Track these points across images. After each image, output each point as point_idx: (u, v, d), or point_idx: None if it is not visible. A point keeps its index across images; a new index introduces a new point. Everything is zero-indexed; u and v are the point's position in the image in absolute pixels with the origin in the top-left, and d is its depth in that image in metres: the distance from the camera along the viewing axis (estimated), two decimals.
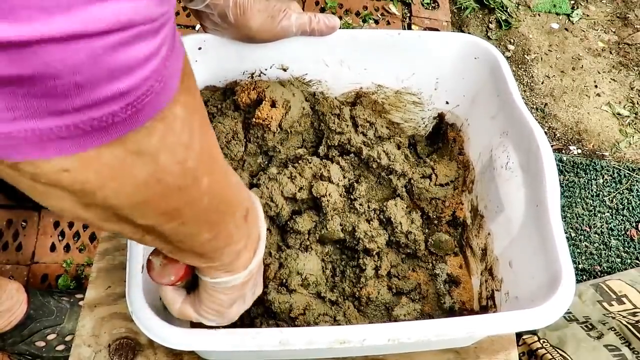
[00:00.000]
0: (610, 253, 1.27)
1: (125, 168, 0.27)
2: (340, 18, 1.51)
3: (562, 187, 1.33)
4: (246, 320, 0.73)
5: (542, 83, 1.57)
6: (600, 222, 1.31)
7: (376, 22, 1.55)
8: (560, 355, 0.95)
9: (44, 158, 0.23)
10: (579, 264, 1.25)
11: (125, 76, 0.23)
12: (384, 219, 0.76)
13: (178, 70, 0.28)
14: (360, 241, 0.74)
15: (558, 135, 1.48)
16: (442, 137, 0.90)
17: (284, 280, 0.70)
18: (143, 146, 0.27)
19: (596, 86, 1.58)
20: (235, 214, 0.41)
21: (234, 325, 0.73)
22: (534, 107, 1.52)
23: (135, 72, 0.23)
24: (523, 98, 0.75)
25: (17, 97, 0.21)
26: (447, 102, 0.87)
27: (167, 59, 0.26)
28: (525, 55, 1.62)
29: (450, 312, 0.77)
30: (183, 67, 0.29)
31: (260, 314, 0.72)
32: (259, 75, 0.81)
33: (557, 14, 1.72)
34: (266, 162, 0.79)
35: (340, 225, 0.75)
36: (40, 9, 0.19)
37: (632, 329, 0.96)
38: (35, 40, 0.19)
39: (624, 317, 1.00)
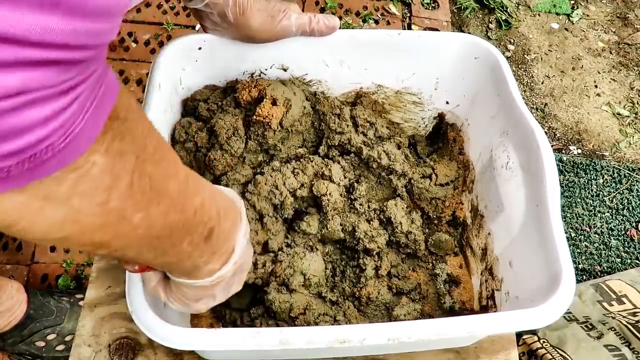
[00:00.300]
0: (610, 253, 1.27)
1: (32, 211, 0.29)
2: (340, 18, 1.51)
3: (562, 187, 1.33)
4: (246, 320, 0.73)
5: (542, 83, 1.57)
6: (600, 222, 1.31)
7: (376, 22, 1.55)
8: (560, 355, 0.95)
9: None
10: (579, 264, 1.25)
11: (16, 138, 0.24)
12: (384, 219, 0.76)
13: (100, 121, 0.29)
14: (361, 241, 0.74)
15: (558, 135, 1.48)
16: (442, 137, 0.90)
17: (286, 280, 0.70)
18: (51, 193, 0.28)
19: (596, 86, 1.58)
20: (189, 236, 0.41)
21: (233, 324, 0.73)
22: (534, 107, 1.52)
23: (29, 134, 0.24)
24: (523, 98, 0.75)
25: None
26: (447, 102, 0.87)
27: (82, 114, 0.27)
28: (525, 55, 1.62)
29: (451, 312, 0.77)
30: (113, 113, 0.30)
31: (260, 315, 0.72)
32: (259, 75, 0.81)
33: (557, 14, 1.72)
34: (267, 160, 0.79)
35: (341, 225, 0.75)
36: None
37: (632, 329, 0.96)
38: None
39: (624, 317, 1.00)
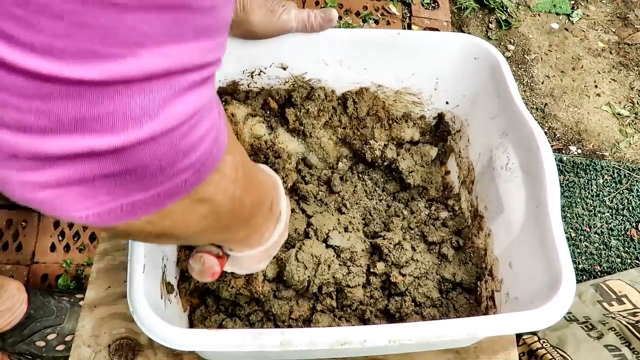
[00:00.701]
0: (610, 253, 1.27)
1: (190, 212, 0.33)
2: (340, 18, 1.51)
3: (562, 187, 1.33)
4: (245, 326, 0.73)
5: (542, 83, 1.57)
6: (600, 222, 1.31)
7: (376, 22, 1.54)
8: (560, 355, 0.95)
9: (133, 220, 0.29)
10: (579, 264, 1.25)
11: (194, 151, 0.28)
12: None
13: (226, 125, 0.33)
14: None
15: (558, 135, 1.48)
16: (441, 137, 0.90)
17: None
18: (204, 194, 0.33)
19: (596, 86, 1.58)
20: (263, 209, 0.47)
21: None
22: (534, 107, 1.52)
23: (199, 147, 0.28)
24: (523, 98, 0.75)
25: (114, 184, 0.26)
26: (447, 102, 0.87)
27: (221, 123, 0.31)
28: (525, 55, 1.62)
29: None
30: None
31: (259, 320, 0.73)
32: (259, 74, 0.81)
33: (557, 14, 1.72)
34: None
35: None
36: (133, 120, 0.24)
37: (632, 329, 0.96)
38: (130, 145, 0.25)
39: (624, 317, 1.00)
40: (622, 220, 1.32)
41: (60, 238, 1.19)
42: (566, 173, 1.38)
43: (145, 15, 0.22)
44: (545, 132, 0.68)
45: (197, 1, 0.24)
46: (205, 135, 0.28)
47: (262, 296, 0.70)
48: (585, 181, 1.36)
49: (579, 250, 1.26)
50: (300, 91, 0.82)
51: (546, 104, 1.53)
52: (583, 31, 1.69)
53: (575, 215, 1.31)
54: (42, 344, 0.99)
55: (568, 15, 1.72)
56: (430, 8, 1.58)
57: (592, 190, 1.35)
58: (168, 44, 0.24)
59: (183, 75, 0.25)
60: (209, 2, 0.25)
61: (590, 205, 1.33)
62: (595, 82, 1.59)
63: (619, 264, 1.26)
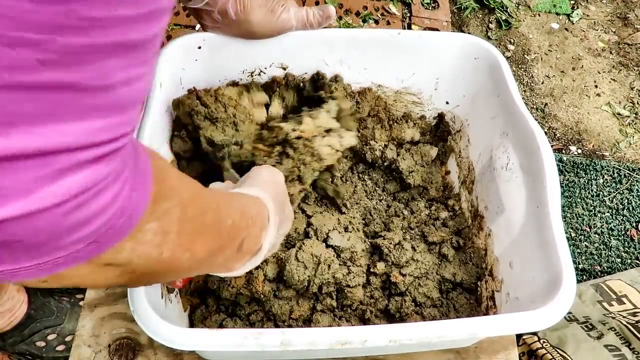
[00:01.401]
0: (610, 253, 1.27)
1: (96, 275, 0.32)
2: (340, 18, 1.51)
3: (562, 187, 1.33)
4: (245, 325, 0.73)
5: (542, 83, 1.57)
6: (600, 222, 1.31)
7: (376, 22, 1.54)
8: (560, 355, 0.95)
9: (26, 279, 0.29)
10: (579, 264, 1.25)
11: (83, 227, 0.27)
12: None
13: (147, 193, 0.32)
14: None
15: (558, 135, 1.48)
16: (442, 137, 0.90)
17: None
18: (113, 260, 0.32)
19: (596, 86, 1.58)
20: (223, 252, 0.44)
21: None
22: (534, 107, 1.52)
23: (93, 222, 0.28)
24: (523, 98, 0.75)
25: None
26: (447, 102, 0.87)
27: (130, 192, 0.29)
28: (525, 55, 1.62)
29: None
30: (155, 180, 0.32)
31: (259, 320, 0.73)
32: (259, 74, 0.81)
33: (557, 14, 1.72)
34: None
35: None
36: (2, 198, 0.23)
37: (632, 329, 0.96)
38: (1, 220, 0.24)
39: (624, 317, 1.00)
40: (622, 220, 1.31)
41: None
42: (566, 173, 1.38)
43: (12, 95, 0.22)
44: (545, 132, 0.68)
45: (84, 81, 0.24)
46: (102, 210, 0.28)
47: (262, 296, 0.70)
48: (585, 181, 1.36)
49: (579, 250, 1.26)
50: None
51: (546, 104, 1.53)
52: (583, 31, 1.69)
53: (575, 215, 1.31)
54: (42, 344, 0.99)
55: (568, 15, 1.72)
56: (430, 8, 1.58)
57: (592, 190, 1.35)
58: (43, 123, 0.23)
59: (66, 154, 0.25)
60: (101, 81, 0.25)
61: (590, 205, 1.33)
62: (595, 82, 1.59)
63: (619, 264, 1.26)
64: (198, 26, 1.43)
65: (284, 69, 0.81)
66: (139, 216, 0.31)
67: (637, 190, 1.36)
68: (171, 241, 0.35)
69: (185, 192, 0.37)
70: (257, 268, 0.70)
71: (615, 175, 1.38)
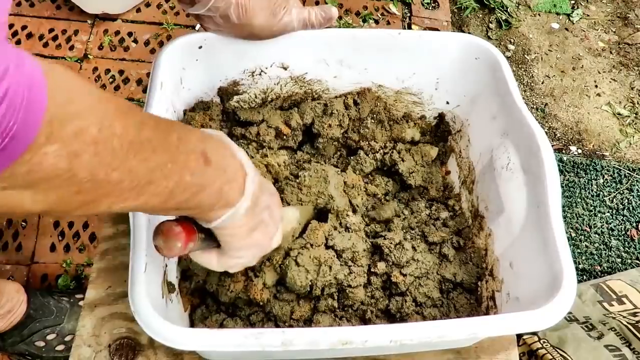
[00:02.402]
0: (610, 253, 1.27)
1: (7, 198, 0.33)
2: (340, 18, 1.51)
3: (562, 187, 1.33)
4: (246, 325, 0.73)
5: (542, 83, 1.57)
6: (601, 222, 1.31)
7: (376, 22, 1.54)
8: (561, 355, 0.95)
9: None
10: (580, 264, 1.25)
11: None
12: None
13: (37, 115, 0.30)
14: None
15: (558, 135, 1.48)
16: (442, 137, 0.90)
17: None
18: (9, 183, 0.31)
19: (596, 86, 1.58)
20: (185, 168, 0.42)
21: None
22: (534, 107, 1.52)
23: None
24: (523, 98, 0.75)
25: None
26: (447, 102, 0.87)
27: (15, 113, 0.29)
28: (526, 55, 1.62)
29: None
30: (51, 102, 0.31)
31: (260, 320, 0.72)
32: (260, 74, 0.81)
33: (557, 13, 1.72)
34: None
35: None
36: None
37: (632, 329, 0.96)
38: None
39: (624, 317, 1.00)
40: (622, 220, 1.32)
41: (60, 238, 1.19)
42: (566, 173, 1.38)
43: None
44: (545, 132, 0.68)
45: None
46: None
47: (261, 302, 0.70)
48: (585, 181, 1.36)
49: (579, 250, 1.27)
50: (313, 106, 0.82)
51: (546, 104, 1.53)
52: (583, 31, 1.69)
53: (576, 215, 1.31)
54: (41, 344, 0.99)
55: (568, 15, 1.72)
56: (430, 8, 1.58)
57: (592, 190, 1.35)
58: None
59: None
60: None
61: (591, 205, 1.33)
62: (595, 82, 1.59)
63: (619, 264, 1.26)
64: (198, 26, 1.43)
65: (285, 68, 0.81)
66: (25, 142, 0.30)
67: (637, 190, 1.36)
68: (85, 162, 0.34)
69: (111, 109, 0.36)
70: (255, 276, 0.70)
71: (616, 175, 1.38)
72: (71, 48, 1.46)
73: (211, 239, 0.53)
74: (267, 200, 0.55)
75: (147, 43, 1.47)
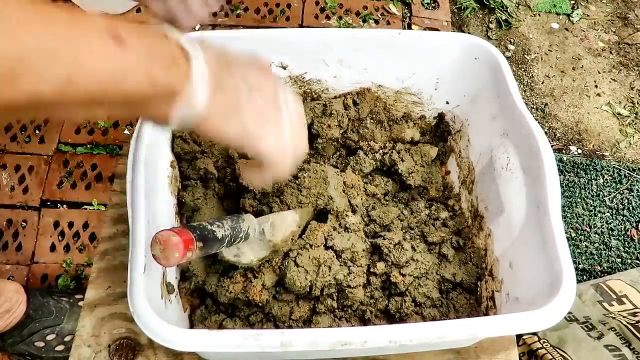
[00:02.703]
0: (610, 253, 1.27)
1: None
2: (340, 18, 1.51)
3: (562, 187, 1.33)
4: (245, 326, 0.73)
5: (542, 83, 1.57)
6: (601, 222, 1.31)
7: (376, 22, 1.54)
8: (561, 355, 0.95)
9: None
10: (579, 264, 1.25)
11: None
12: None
13: None
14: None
15: (558, 135, 1.48)
16: (442, 137, 0.90)
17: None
18: None
19: (596, 86, 1.58)
20: (68, 48, 0.33)
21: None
22: (534, 107, 1.52)
23: None
24: (523, 98, 0.75)
25: None
26: (447, 102, 0.87)
27: None
28: (525, 55, 1.62)
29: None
30: None
31: (259, 321, 0.72)
32: None
33: (557, 13, 1.72)
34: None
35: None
36: None
37: (632, 329, 0.96)
38: None
39: (624, 317, 1.00)
40: (622, 220, 1.32)
41: (60, 238, 1.19)
42: (566, 173, 1.38)
43: None
44: (545, 132, 0.68)
45: None
46: None
47: (260, 303, 0.70)
48: (585, 181, 1.36)
49: (579, 250, 1.27)
50: (312, 107, 0.82)
51: (546, 104, 1.53)
52: (583, 31, 1.69)
53: (576, 215, 1.31)
54: (41, 344, 0.99)
55: (568, 15, 1.72)
56: (430, 8, 1.58)
57: (592, 190, 1.35)
58: None
59: None
60: None
61: (591, 205, 1.33)
62: (595, 82, 1.59)
63: (619, 264, 1.26)
64: (198, 26, 1.43)
65: (284, 68, 0.81)
66: None
67: (637, 190, 1.36)
68: None
69: None
70: (254, 277, 0.70)
71: (615, 175, 1.38)
72: None
73: (210, 247, 0.53)
74: (247, 75, 0.47)
75: None
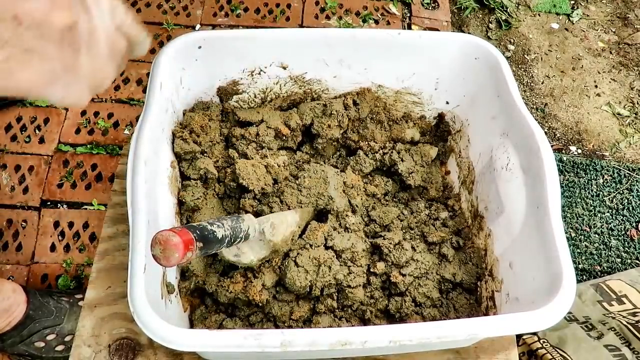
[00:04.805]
0: (610, 253, 1.27)
1: None
2: (340, 18, 1.51)
3: (562, 187, 1.33)
4: (245, 326, 0.73)
5: (542, 83, 1.57)
6: (600, 222, 1.31)
7: (376, 22, 1.54)
8: (560, 355, 0.95)
9: None
10: (579, 264, 1.25)
11: None
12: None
13: None
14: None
15: (558, 135, 1.48)
16: (442, 137, 0.90)
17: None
18: None
19: (596, 86, 1.58)
20: None
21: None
22: (534, 107, 1.52)
23: None
24: (523, 98, 0.75)
25: None
26: (447, 102, 0.87)
27: None
28: (525, 55, 1.62)
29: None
30: None
31: (259, 321, 0.72)
32: (259, 73, 0.81)
33: (557, 14, 1.72)
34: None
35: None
36: None
37: (632, 329, 0.96)
38: None
39: (624, 317, 1.00)
40: (622, 220, 1.31)
41: (60, 238, 1.19)
42: (566, 173, 1.37)
43: None
44: (545, 132, 0.68)
45: None
46: None
47: (260, 303, 0.70)
48: (585, 181, 1.36)
49: (579, 250, 1.26)
50: (312, 107, 0.82)
51: (546, 104, 1.53)
52: (583, 31, 1.69)
53: (575, 215, 1.31)
54: (41, 344, 0.99)
55: (568, 15, 1.72)
56: (430, 8, 1.58)
57: (592, 190, 1.35)
58: None
59: None
60: None
61: (590, 205, 1.33)
62: (595, 82, 1.59)
63: (619, 264, 1.26)
64: (198, 26, 1.43)
65: (284, 68, 0.81)
66: None
67: (637, 190, 1.36)
68: None
69: None
70: (254, 277, 0.70)
71: (615, 175, 1.38)
72: None
73: (210, 247, 0.53)
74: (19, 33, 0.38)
75: None
